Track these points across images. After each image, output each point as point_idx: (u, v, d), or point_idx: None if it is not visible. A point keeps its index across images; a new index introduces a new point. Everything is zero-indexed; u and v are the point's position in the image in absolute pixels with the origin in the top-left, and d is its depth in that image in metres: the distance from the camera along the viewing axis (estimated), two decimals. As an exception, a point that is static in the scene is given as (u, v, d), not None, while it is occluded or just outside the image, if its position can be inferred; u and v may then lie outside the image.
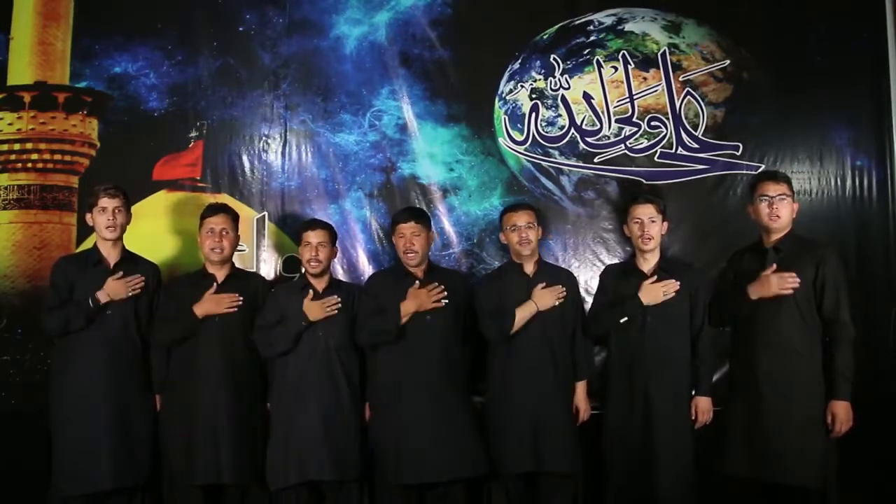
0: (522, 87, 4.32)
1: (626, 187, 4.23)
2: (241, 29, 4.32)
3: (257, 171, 4.28)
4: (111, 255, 3.57)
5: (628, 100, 4.28)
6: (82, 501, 3.46)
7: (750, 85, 4.29)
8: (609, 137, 4.28)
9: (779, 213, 3.34)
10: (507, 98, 4.32)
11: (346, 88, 4.30)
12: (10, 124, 4.20)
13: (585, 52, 4.32)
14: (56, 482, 3.46)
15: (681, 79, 4.28)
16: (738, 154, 4.25)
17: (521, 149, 4.30)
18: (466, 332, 3.63)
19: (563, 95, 4.30)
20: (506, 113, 4.31)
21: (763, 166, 4.22)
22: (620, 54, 4.30)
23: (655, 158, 4.27)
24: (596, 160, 4.28)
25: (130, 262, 3.61)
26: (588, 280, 4.11)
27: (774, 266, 3.30)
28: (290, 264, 4.17)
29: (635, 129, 4.28)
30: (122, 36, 4.25)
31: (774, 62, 4.29)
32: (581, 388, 3.66)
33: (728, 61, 4.30)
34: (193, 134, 4.27)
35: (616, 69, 4.30)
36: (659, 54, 4.30)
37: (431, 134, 4.30)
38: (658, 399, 3.44)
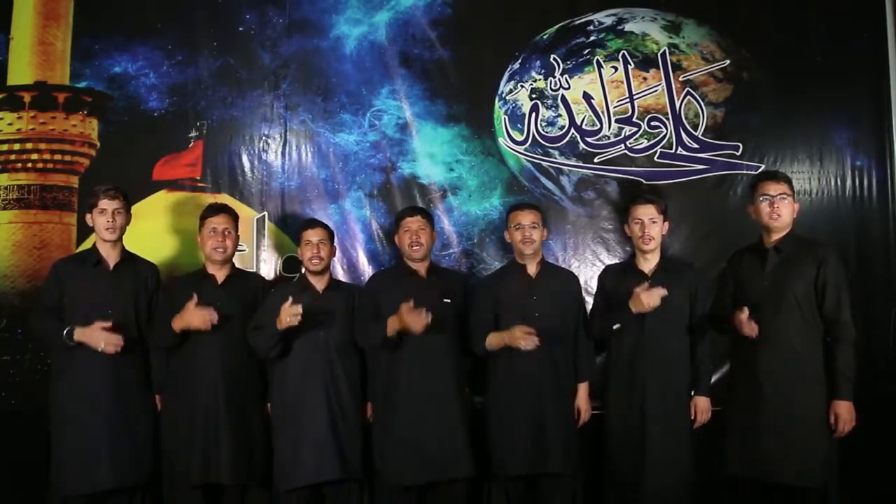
0: (522, 87, 4.32)
1: (626, 187, 4.23)
2: (241, 29, 4.32)
3: (257, 171, 4.28)
4: (111, 256, 3.57)
5: (628, 100, 4.28)
6: (82, 501, 3.45)
7: (750, 85, 4.29)
8: (609, 137, 4.28)
9: (779, 212, 3.34)
10: (507, 98, 4.32)
11: (346, 88, 4.30)
12: (10, 124, 4.20)
13: (585, 52, 4.32)
14: (56, 482, 3.46)
15: (681, 79, 4.29)
16: (738, 154, 4.26)
17: (521, 149, 4.30)
18: (466, 333, 3.62)
19: (563, 95, 4.30)
20: (506, 113, 4.32)
21: (763, 166, 4.22)
22: (620, 54, 4.30)
23: (655, 158, 4.27)
24: (596, 160, 4.28)
25: (130, 263, 3.61)
26: (588, 280, 4.11)
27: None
28: (290, 264, 4.17)
29: (635, 129, 4.28)
30: (122, 36, 4.25)
31: (774, 62, 4.29)
32: (583, 389, 3.66)
33: (728, 61, 4.30)
34: (193, 134, 4.27)
35: (616, 69, 4.30)
36: (659, 54, 4.30)
37: (431, 134, 4.30)
38: (657, 399, 3.44)
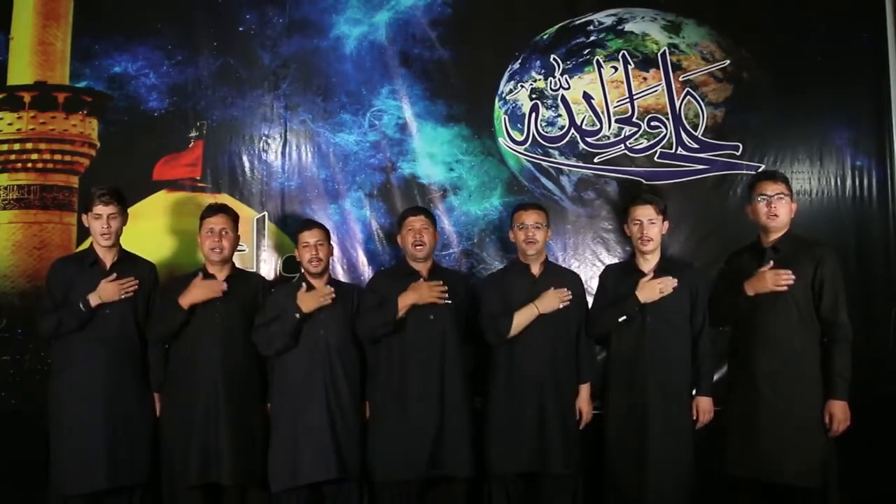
0: (522, 87, 4.32)
1: (626, 187, 4.24)
2: (241, 29, 4.32)
3: (257, 171, 4.28)
4: (107, 257, 3.56)
5: (628, 100, 4.28)
6: (82, 501, 3.45)
7: (750, 85, 4.29)
8: (609, 137, 4.28)
9: (777, 212, 3.34)
10: (507, 98, 4.32)
11: (346, 88, 4.30)
12: (10, 124, 4.20)
13: (585, 52, 4.32)
14: (55, 482, 3.46)
15: (681, 79, 4.29)
16: (738, 154, 4.26)
17: (521, 149, 4.30)
18: (468, 332, 3.63)
19: (563, 95, 4.30)
20: (506, 113, 4.32)
21: (763, 166, 4.22)
22: (620, 54, 4.30)
23: (655, 158, 4.27)
24: (596, 160, 4.28)
25: (128, 263, 3.61)
26: (588, 280, 4.10)
27: (772, 263, 3.30)
28: (290, 264, 4.17)
29: (635, 129, 4.28)
30: (122, 36, 4.25)
31: (774, 62, 4.29)
32: (584, 390, 3.66)
33: (728, 61, 4.30)
34: (193, 134, 4.27)
35: (616, 69, 4.30)
36: (659, 54, 4.30)
37: (431, 134, 4.30)
38: (658, 399, 3.44)
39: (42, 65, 4.26)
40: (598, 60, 4.30)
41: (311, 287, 3.58)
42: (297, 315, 3.46)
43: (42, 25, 4.27)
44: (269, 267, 4.23)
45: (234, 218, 3.69)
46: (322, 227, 3.70)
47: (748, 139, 4.27)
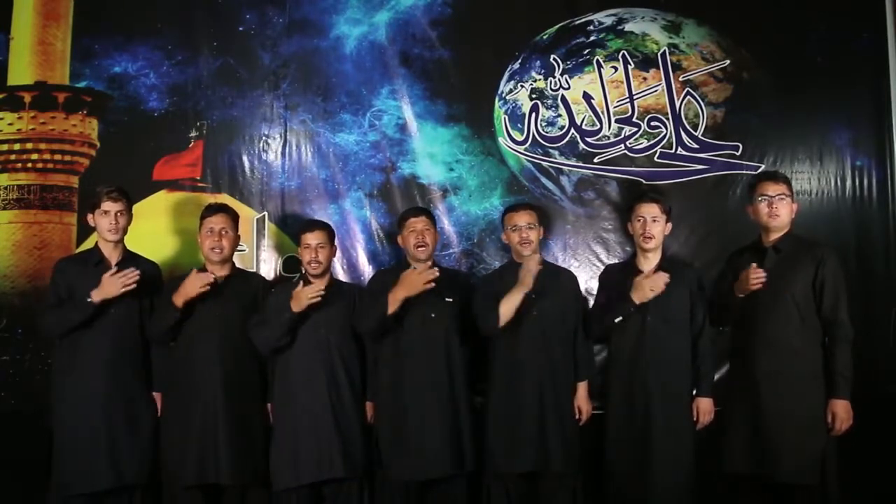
0: (522, 87, 4.32)
1: (626, 187, 4.24)
2: (241, 29, 4.32)
3: (257, 171, 4.28)
4: (112, 256, 3.57)
5: (628, 100, 4.28)
6: (82, 501, 3.45)
7: (750, 85, 4.29)
8: (609, 137, 4.28)
9: (778, 212, 3.35)
10: (507, 98, 4.32)
11: (346, 88, 4.30)
12: (10, 124, 4.20)
13: (585, 52, 4.32)
14: (57, 481, 3.46)
15: (681, 79, 4.29)
16: (738, 154, 4.26)
17: (521, 149, 4.30)
18: (468, 332, 3.62)
19: (563, 95, 4.30)
20: (506, 113, 4.32)
21: (763, 166, 4.22)
22: (620, 54, 4.30)
23: (655, 158, 4.27)
24: (596, 160, 4.28)
25: (132, 263, 3.59)
26: (588, 280, 4.11)
27: (753, 265, 3.28)
28: (290, 264, 4.17)
29: (635, 129, 4.28)
30: (122, 36, 4.25)
31: (774, 62, 4.29)
32: (582, 388, 3.66)
33: (728, 61, 4.30)
34: (193, 134, 4.27)
35: (616, 69, 4.30)
36: (659, 54, 4.30)
37: (431, 134, 4.30)
38: (658, 399, 3.44)
39: (42, 65, 4.26)
40: (598, 60, 4.30)
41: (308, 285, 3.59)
42: (287, 314, 3.45)
43: (42, 25, 4.27)
44: (269, 267, 4.23)
45: (234, 217, 3.70)
46: (326, 228, 3.68)
47: (748, 139, 4.26)
